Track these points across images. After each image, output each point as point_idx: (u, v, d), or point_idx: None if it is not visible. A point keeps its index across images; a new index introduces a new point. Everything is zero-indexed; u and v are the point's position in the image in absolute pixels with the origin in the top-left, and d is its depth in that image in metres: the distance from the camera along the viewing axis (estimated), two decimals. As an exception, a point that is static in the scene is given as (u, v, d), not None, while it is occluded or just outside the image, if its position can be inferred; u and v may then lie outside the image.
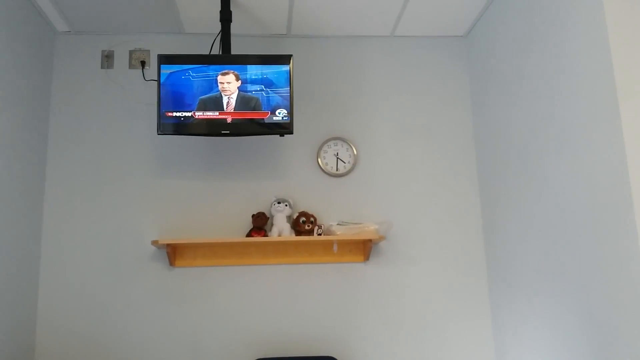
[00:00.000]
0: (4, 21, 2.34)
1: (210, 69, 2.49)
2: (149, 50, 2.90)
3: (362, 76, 2.97)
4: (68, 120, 2.81)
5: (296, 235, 2.68)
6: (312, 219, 2.69)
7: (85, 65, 2.86)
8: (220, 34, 2.62)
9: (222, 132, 2.47)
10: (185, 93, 2.48)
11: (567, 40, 2.02)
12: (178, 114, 2.47)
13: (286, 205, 2.68)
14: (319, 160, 2.85)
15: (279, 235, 2.64)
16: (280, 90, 2.51)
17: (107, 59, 2.88)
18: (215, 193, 2.79)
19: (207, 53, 2.80)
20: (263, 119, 2.49)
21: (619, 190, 1.73)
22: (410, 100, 2.97)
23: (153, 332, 2.64)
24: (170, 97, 2.47)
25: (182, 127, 2.47)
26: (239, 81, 2.49)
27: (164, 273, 2.70)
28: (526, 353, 2.40)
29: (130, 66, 2.88)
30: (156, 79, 2.50)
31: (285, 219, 2.67)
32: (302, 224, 2.67)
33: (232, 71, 2.49)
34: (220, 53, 2.60)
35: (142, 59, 2.88)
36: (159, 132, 2.46)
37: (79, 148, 2.79)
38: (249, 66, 2.50)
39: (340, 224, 2.67)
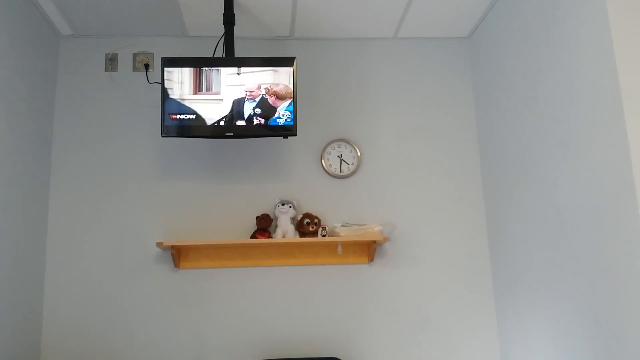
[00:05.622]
0: (9, 24, 2.35)
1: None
2: (152, 53, 2.90)
3: (366, 78, 2.98)
4: (72, 123, 2.82)
5: (300, 236, 2.68)
6: (316, 220, 2.70)
7: (89, 68, 2.87)
8: (223, 37, 2.63)
9: (226, 134, 2.48)
10: (189, 95, 2.48)
11: (571, 41, 2.03)
12: (182, 117, 2.48)
13: (290, 206, 2.68)
14: (323, 161, 2.86)
15: (283, 236, 2.65)
16: (284, 92, 2.51)
17: (111, 61, 2.89)
18: (219, 195, 2.80)
19: (211, 56, 2.81)
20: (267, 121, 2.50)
21: (624, 192, 1.73)
22: (414, 102, 2.97)
23: (158, 333, 2.65)
24: (175, 100, 2.48)
25: (186, 130, 2.47)
26: (243, 83, 2.50)
27: (169, 274, 2.70)
28: (531, 354, 2.40)
29: (134, 69, 2.89)
30: (160, 81, 2.51)
31: (289, 221, 2.67)
32: (306, 225, 2.67)
33: (236, 73, 2.50)
34: (224, 56, 2.61)
35: (145, 62, 2.89)
36: (163, 135, 2.46)
37: (83, 151, 2.80)
38: (252, 68, 2.51)
39: (344, 226, 2.68)
